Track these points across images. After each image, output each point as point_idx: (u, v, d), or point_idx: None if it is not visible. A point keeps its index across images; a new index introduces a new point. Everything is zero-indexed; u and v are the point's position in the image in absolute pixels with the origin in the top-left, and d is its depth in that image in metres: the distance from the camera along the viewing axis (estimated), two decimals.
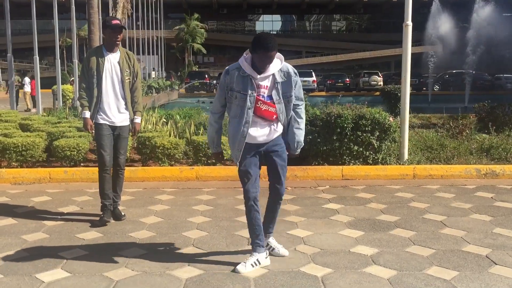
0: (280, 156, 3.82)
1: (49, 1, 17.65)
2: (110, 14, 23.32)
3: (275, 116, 3.71)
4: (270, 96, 3.69)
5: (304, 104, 3.90)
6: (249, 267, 3.69)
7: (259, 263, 3.74)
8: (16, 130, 8.48)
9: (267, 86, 3.68)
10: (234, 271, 3.68)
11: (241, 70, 3.64)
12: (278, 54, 3.66)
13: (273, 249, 3.99)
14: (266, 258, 3.81)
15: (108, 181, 4.90)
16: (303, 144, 3.91)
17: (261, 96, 3.66)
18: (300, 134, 3.85)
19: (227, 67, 3.78)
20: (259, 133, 3.71)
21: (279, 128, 3.79)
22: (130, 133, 5.10)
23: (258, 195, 3.77)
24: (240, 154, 3.71)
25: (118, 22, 4.83)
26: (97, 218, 4.93)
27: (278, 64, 3.69)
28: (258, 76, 3.62)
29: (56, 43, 16.91)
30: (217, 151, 3.93)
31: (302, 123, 3.87)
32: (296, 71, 3.78)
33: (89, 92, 4.88)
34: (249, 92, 3.62)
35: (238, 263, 3.77)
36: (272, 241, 4.04)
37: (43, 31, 43.21)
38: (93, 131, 4.92)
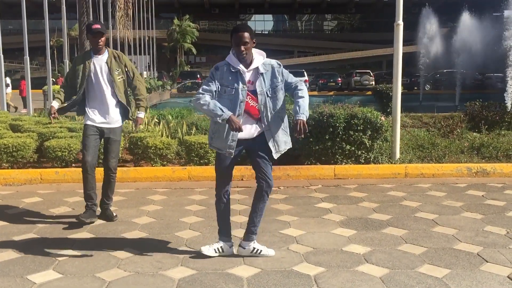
0: (263, 156, 3.86)
1: (40, 0, 17.54)
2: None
3: (258, 115, 3.80)
4: (255, 91, 3.78)
5: (302, 83, 3.92)
6: (211, 251, 3.94)
7: (223, 251, 3.98)
8: (6, 130, 8.42)
9: (251, 81, 3.80)
10: (199, 251, 3.96)
11: (231, 66, 3.77)
12: (260, 51, 3.85)
13: (260, 251, 3.98)
14: (230, 248, 4.02)
15: (90, 182, 4.82)
16: (307, 112, 3.79)
17: (249, 92, 3.78)
18: (303, 101, 3.79)
19: (216, 64, 3.87)
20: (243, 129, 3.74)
21: (262, 127, 3.83)
22: (132, 128, 4.98)
23: (229, 190, 3.99)
24: (234, 144, 3.77)
25: (98, 26, 4.78)
26: (88, 220, 4.89)
27: (261, 59, 3.83)
28: (246, 70, 3.76)
29: (47, 43, 16.80)
30: (229, 114, 3.62)
31: (304, 92, 3.84)
32: (279, 62, 3.91)
33: (74, 92, 4.86)
34: (241, 86, 3.75)
35: (231, 263, 3.81)
36: (256, 244, 4.02)
37: (33, 31, 42.92)
38: (54, 117, 4.84)
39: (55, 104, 4.84)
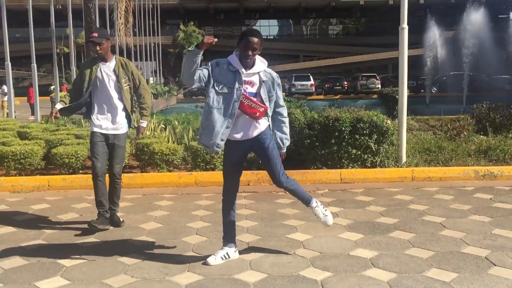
0: (271, 150, 3.87)
1: (46, 9, 17.69)
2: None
3: (258, 113, 3.79)
4: (255, 94, 3.81)
5: (285, 109, 4.07)
6: (219, 260, 3.93)
7: (229, 256, 3.99)
8: (14, 138, 8.48)
9: (252, 84, 3.81)
10: (204, 263, 3.89)
11: (230, 65, 3.77)
12: (262, 58, 3.87)
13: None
14: (235, 252, 4.05)
15: (101, 188, 4.86)
16: (289, 140, 4.06)
17: (245, 92, 3.78)
18: (287, 131, 4.04)
19: (216, 59, 3.85)
20: (240, 129, 3.81)
21: (261, 125, 3.85)
22: (133, 139, 5.06)
23: (236, 195, 4.02)
24: (223, 144, 3.80)
25: (95, 35, 4.81)
26: (101, 226, 4.91)
27: (262, 65, 3.86)
28: (245, 72, 3.76)
29: (54, 51, 16.92)
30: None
31: (287, 121, 4.05)
32: (278, 75, 3.98)
33: (80, 97, 4.90)
34: (237, 85, 3.74)
35: (237, 268, 3.81)
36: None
37: (40, 38, 43.14)
38: (55, 117, 4.91)
39: (58, 106, 4.91)
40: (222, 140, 3.77)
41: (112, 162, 4.94)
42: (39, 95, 15.65)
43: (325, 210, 4.19)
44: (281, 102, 3.99)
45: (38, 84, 16.20)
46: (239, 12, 64.02)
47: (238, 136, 3.82)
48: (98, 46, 4.79)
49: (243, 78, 3.76)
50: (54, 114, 4.87)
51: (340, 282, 3.56)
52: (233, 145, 3.88)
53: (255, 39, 3.69)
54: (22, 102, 24.31)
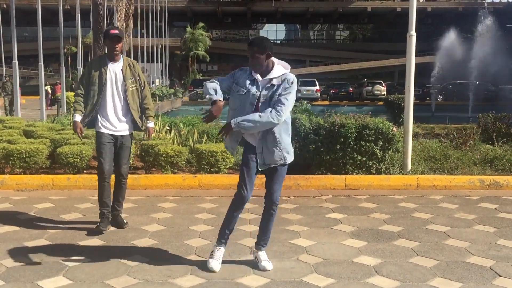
0: (272, 170, 3.83)
1: (55, 8, 17.79)
2: (114, 21, 23.36)
3: None
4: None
5: (283, 110, 3.64)
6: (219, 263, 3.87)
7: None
8: (20, 136, 8.51)
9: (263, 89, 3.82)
10: (210, 268, 3.82)
11: (252, 72, 3.83)
12: (285, 64, 3.87)
13: (259, 261, 3.94)
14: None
15: (107, 189, 4.88)
16: (242, 125, 3.63)
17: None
18: (253, 117, 3.64)
19: (243, 67, 3.95)
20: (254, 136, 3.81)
21: (273, 138, 3.76)
22: (143, 137, 5.06)
23: (248, 199, 3.84)
24: (237, 145, 3.87)
25: (116, 31, 4.82)
26: (107, 228, 4.92)
27: (280, 71, 3.80)
28: (261, 78, 3.80)
29: (61, 51, 17.02)
30: (217, 98, 3.64)
31: (264, 117, 3.62)
32: (295, 81, 3.77)
33: (89, 100, 4.88)
34: (254, 90, 3.76)
35: (240, 272, 3.81)
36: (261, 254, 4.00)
37: (48, 38, 43.44)
38: (82, 133, 4.94)
39: (79, 118, 4.86)
40: (236, 141, 3.84)
41: (119, 162, 4.95)
42: (34, 95, 15.73)
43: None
44: (279, 106, 3.65)
45: (36, 84, 16.27)
46: (247, 16, 64.17)
47: (253, 142, 3.81)
48: (118, 43, 4.81)
49: (261, 85, 3.78)
50: (80, 133, 4.88)
51: None
52: (249, 149, 3.84)
53: (250, 47, 3.76)
54: (28, 101, 24.41)
